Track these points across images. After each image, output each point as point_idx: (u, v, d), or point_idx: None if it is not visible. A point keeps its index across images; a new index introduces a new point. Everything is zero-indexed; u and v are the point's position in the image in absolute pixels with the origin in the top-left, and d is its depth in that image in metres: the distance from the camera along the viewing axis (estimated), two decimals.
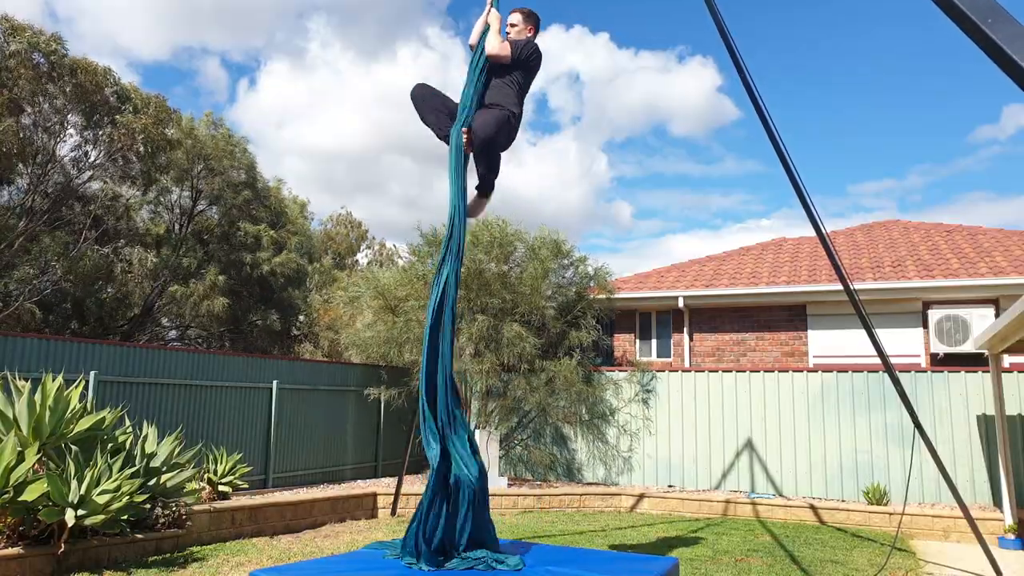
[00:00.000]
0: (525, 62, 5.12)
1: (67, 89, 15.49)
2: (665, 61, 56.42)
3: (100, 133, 16.43)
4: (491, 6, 5.32)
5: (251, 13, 47.79)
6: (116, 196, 18.56)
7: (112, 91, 16.28)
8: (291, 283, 22.52)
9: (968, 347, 11.43)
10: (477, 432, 11.18)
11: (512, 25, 5.31)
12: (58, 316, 18.11)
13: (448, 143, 4.97)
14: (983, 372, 9.95)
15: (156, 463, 7.21)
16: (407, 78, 51.90)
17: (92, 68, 15.79)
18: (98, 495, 6.15)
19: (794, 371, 11.30)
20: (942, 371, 10.43)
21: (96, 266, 16.74)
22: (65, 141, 16.57)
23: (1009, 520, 8.44)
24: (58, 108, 15.75)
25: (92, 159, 17.00)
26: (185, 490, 7.44)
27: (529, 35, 5.30)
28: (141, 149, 16.55)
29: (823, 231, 5.64)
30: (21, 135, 15.13)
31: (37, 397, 6.38)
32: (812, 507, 9.93)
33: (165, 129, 17.25)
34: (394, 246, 34.46)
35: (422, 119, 5.18)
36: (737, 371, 11.63)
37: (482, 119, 4.93)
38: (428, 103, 5.14)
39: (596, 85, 57.13)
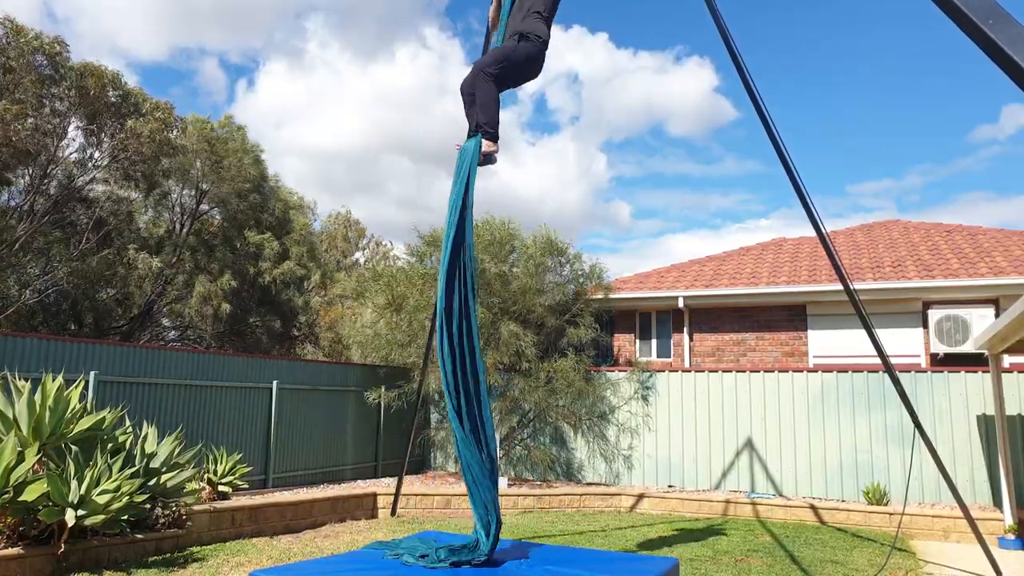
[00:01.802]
0: None
1: (71, 92, 15.49)
2: (663, 61, 56.45)
3: (104, 136, 16.42)
4: None
5: (249, 13, 47.80)
6: (119, 200, 18.57)
7: (117, 94, 16.26)
8: (292, 285, 22.55)
9: (968, 347, 11.43)
10: None
11: None
12: (58, 316, 18.10)
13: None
14: (983, 372, 9.95)
15: (156, 463, 7.21)
16: (405, 78, 51.94)
17: (99, 72, 15.78)
18: (98, 495, 6.15)
19: (794, 371, 11.30)
20: (942, 371, 10.43)
21: (98, 269, 16.74)
22: (68, 144, 16.58)
23: (1009, 520, 8.44)
24: (61, 111, 15.75)
25: (95, 161, 17.00)
26: (185, 490, 7.44)
27: None
28: (145, 151, 16.53)
29: (823, 231, 5.64)
30: (23, 136, 15.12)
31: (37, 397, 6.38)
32: (812, 507, 9.93)
33: (170, 134, 17.24)
34: (390, 243, 34.61)
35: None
36: (737, 371, 11.63)
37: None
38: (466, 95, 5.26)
39: (595, 85, 57.16)
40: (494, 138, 5.09)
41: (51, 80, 15.34)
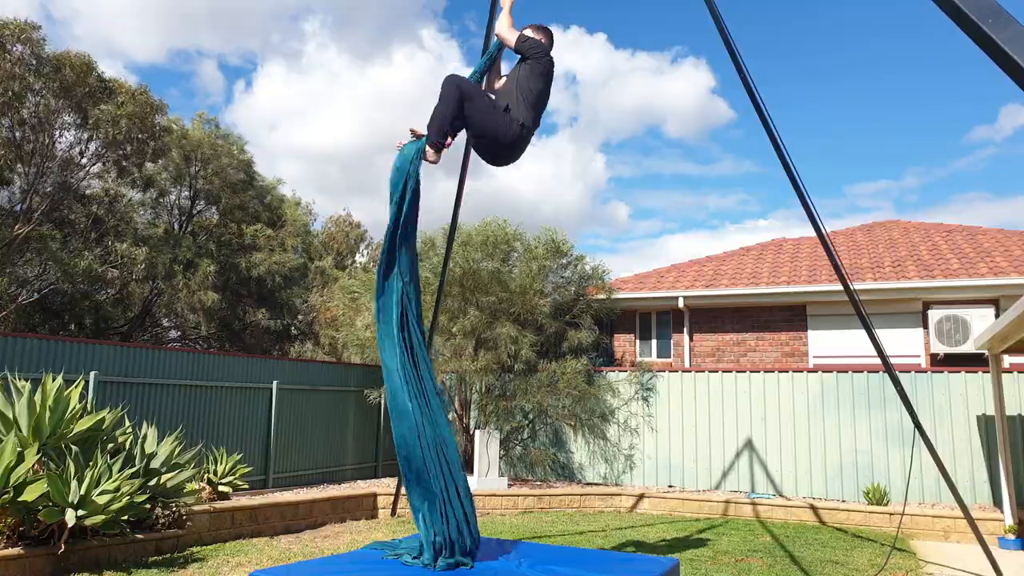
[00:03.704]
0: (525, 53, 5.15)
1: (53, 85, 15.42)
2: (660, 62, 56.44)
3: (91, 127, 16.38)
4: None
5: (246, 15, 47.77)
6: (116, 196, 18.57)
7: (96, 79, 16.15)
8: (290, 283, 22.52)
9: (968, 347, 11.43)
10: (477, 432, 11.18)
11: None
12: (58, 317, 18.10)
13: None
14: (983, 372, 9.95)
15: (156, 463, 7.21)
16: (403, 80, 51.95)
17: (74, 59, 15.69)
18: (98, 495, 6.15)
19: (794, 371, 11.30)
20: (942, 371, 10.43)
21: (92, 268, 16.71)
22: (59, 138, 16.56)
23: (1009, 520, 8.44)
24: (50, 106, 15.71)
25: (89, 153, 16.97)
26: (185, 490, 7.43)
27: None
28: (123, 134, 16.45)
29: (823, 231, 5.64)
30: (15, 135, 15.10)
31: (37, 397, 6.38)
32: (812, 507, 9.93)
33: (154, 118, 17.17)
34: None
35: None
36: (737, 371, 11.63)
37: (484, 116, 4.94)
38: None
39: (593, 86, 57.16)
40: (436, 147, 4.86)
41: (35, 73, 15.24)
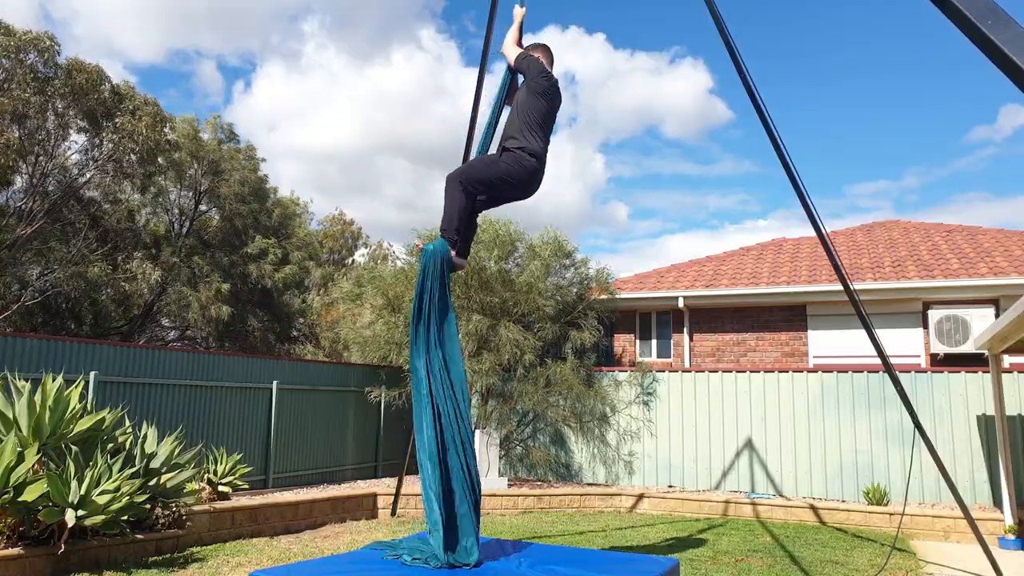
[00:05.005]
0: (523, 72, 5.17)
1: (65, 91, 15.50)
2: (659, 63, 56.42)
3: (101, 136, 16.45)
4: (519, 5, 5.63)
5: (246, 15, 47.81)
6: (117, 200, 18.59)
7: (108, 90, 16.27)
8: (293, 287, 22.57)
9: (968, 347, 11.43)
10: (477, 432, 11.18)
11: None
12: (58, 317, 18.10)
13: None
14: (983, 372, 9.95)
15: (156, 463, 7.21)
16: (402, 80, 51.94)
17: (87, 68, 15.80)
18: (98, 495, 6.15)
19: (794, 371, 11.30)
20: (942, 371, 10.43)
21: (97, 273, 16.73)
22: (67, 144, 16.60)
23: (1009, 520, 8.44)
24: (58, 111, 15.76)
25: (94, 159, 17.02)
26: (185, 490, 7.43)
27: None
28: (137, 148, 16.56)
29: (823, 231, 5.64)
30: (20, 137, 15.12)
31: (37, 397, 6.38)
32: (812, 507, 9.93)
33: (163, 130, 17.25)
34: (389, 244, 34.90)
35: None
36: (737, 371, 11.63)
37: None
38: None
39: (592, 86, 57.16)
40: (460, 253, 4.93)
41: (45, 79, 15.35)
